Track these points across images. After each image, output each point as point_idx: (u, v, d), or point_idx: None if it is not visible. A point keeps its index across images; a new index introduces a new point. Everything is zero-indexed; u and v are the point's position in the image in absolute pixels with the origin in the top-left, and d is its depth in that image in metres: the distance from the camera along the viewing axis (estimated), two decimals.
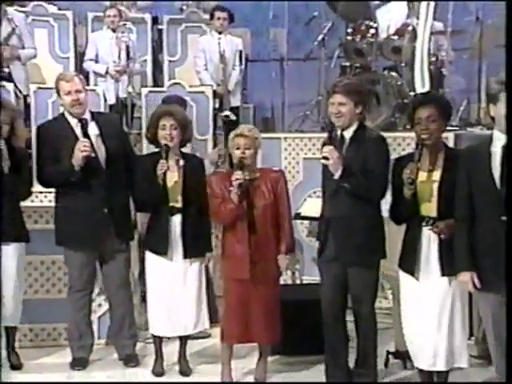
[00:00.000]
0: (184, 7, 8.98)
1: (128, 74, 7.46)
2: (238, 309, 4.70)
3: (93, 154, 4.84)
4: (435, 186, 4.12)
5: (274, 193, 4.67)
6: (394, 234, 4.42)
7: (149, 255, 4.91)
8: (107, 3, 8.52)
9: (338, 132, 4.38)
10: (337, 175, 4.28)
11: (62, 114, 5.06)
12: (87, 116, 4.99)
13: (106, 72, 7.55)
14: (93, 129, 4.97)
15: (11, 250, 4.88)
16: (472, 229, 3.85)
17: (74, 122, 4.94)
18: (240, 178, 4.54)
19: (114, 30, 7.75)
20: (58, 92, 5.01)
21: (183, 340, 5.01)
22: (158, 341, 4.99)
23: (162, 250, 4.81)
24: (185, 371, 4.98)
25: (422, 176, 4.13)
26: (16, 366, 5.05)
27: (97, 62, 7.78)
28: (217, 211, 4.72)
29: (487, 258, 3.76)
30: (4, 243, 4.82)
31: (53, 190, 5.15)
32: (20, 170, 4.90)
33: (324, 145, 4.38)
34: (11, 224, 4.85)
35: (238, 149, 4.64)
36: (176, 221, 4.81)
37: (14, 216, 4.90)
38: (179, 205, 4.81)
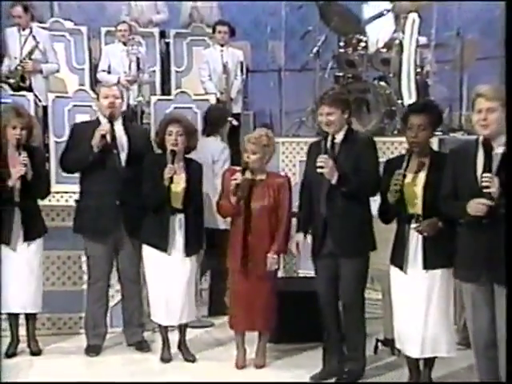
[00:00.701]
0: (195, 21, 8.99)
1: (138, 84, 7.48)
2: (239, 298, 4.73)
3: (115, 151, 4.91)
4: (420, 186, 4.13)
5: (274, 197, 4.64)
6: (385, 232, 4.42)
7: (147, 248, 4.88)
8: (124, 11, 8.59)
9: (329, 138, 4.38)
10: (333, 181, 4.29)
11: (97, 118, 5.12)
12: (119, 121, 5.05)
13: (118, 81, 7.54)
14: (120, 130, 5.02)
15: (35, 246, 4.96)
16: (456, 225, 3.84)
17: (104, 122, 4.98)
18: (237, 179, 4.54)
19: (124, 44, 7.81)
20: (97, 97, 5.13)
21: (182, 328, 4.99)
22: (164, 329, 4.98)
23: (163, 246, 4.79)
24: (188, 358, 4.96)
25: (409, 178, 4.13)
26: (35, 352, 5.06)
27: (109, 72, 7.80)
28: (219, 204, 4.78)
29: (468, 252, 3.74)
30: (29, 241, 4.91)
31: (69, 189, 5.16)
32: (39, 171, 4.92)
33: (309, 151, 4.51)
34: (34, 223, 4.94)
35: (245, 152, 4.64)
36: (176, 220, 4.80)
37: (35, 216, 4.97)
38: (180, 206, 4.79)
